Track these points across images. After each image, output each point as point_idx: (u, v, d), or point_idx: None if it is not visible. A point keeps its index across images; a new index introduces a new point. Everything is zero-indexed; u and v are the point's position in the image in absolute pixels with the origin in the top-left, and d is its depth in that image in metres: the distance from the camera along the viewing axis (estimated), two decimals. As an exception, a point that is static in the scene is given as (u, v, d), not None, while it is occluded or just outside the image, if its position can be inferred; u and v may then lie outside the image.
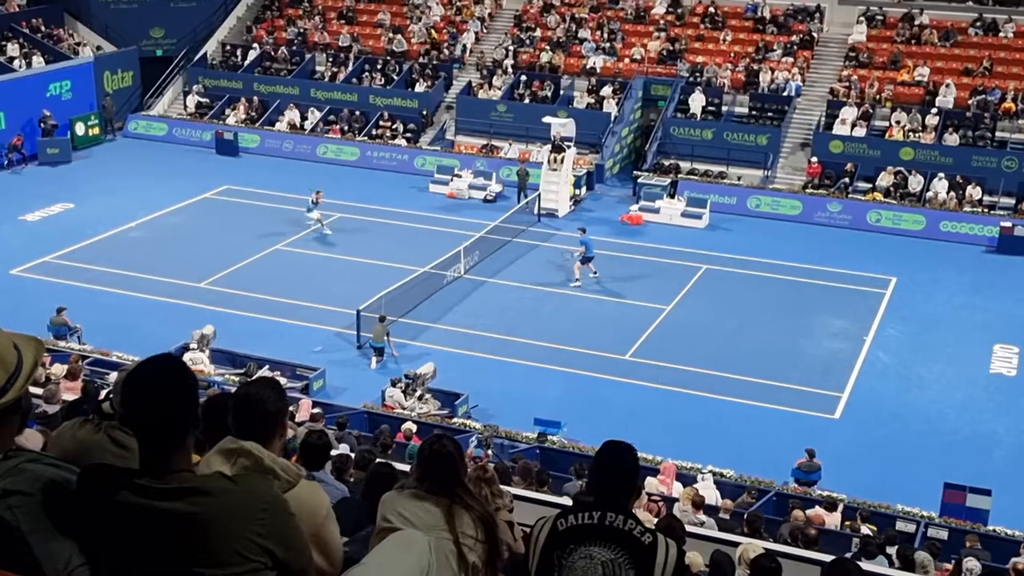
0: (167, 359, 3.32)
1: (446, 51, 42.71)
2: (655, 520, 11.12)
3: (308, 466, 6.97)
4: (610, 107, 38.59)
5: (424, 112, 40.66)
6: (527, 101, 39.61)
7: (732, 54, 39.93)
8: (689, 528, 12.16)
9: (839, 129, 36.75)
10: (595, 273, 28.99)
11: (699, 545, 10.94)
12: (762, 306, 27.80)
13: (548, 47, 41.39)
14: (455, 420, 20.88)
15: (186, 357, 22.60)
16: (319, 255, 30.40)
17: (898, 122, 36.57)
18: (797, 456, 19.51)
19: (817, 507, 16.64)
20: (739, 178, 36.37)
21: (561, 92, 39.70)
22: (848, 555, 13.07)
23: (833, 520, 16.40)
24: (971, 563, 13.65)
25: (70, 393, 14.97)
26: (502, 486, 8.14)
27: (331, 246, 30.97)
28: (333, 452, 10.50)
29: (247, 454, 3.78)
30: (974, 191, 34.11)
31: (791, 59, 39.31)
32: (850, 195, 34.85)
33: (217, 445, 3.83)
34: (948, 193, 34.21)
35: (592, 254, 28.88)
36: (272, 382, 4.24)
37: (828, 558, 11.38)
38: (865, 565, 9.86)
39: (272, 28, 45.43)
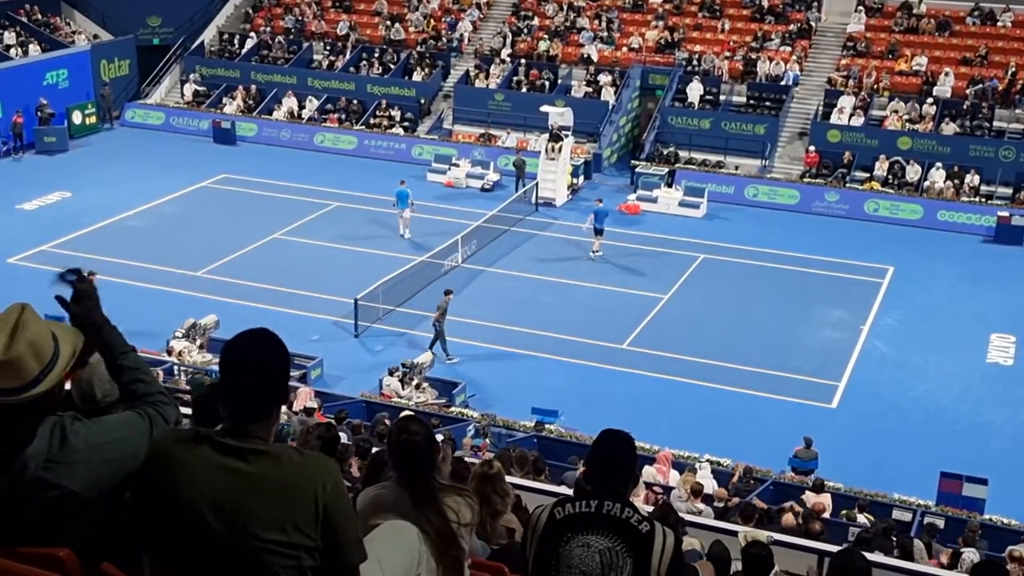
0: (265, 334, 3.44)
1: (444, 40, 42.64)
2: (651, 509, 11.14)
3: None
4: (608, 96, 38.55)
5: (422, 101, 40.61)
6: (524, 90, 39.56)
7: (730, 43, 39.88)
8: (687, 516, 12.20)
9: (837, 118, 36.72)
10: (596, 251, 29.77)
11: (696, 534, 10.98)
12: (760, 295, 27.82)
13: (546, 36, 41.33)
14: (453, 409, 20.91)
15: (172, 345, 22.73)
16: (316, 244, 30.39)
17: (896, 111, 36.55)
18: (794, 445, 19.55)
19: (806, 491, 16.69)
20: (737, 167, 36.35)
21: (559, 81, 39.66)
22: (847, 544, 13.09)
23: (824, 500, 16.39)
24: (969, 553, 13.68)
25: (68, 382, 14.94)
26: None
27: (329, 235, 30.94)
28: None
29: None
30: (972, 180, 34.12)
31: (789, 48, 39.26)
32: (848, 184, 34.86)
33: None
34: (946, 182, 34.21)
35: (602, 226, 29.45)
36: None
37: (825, 547, 11.42)
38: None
39: (270, 16, 45.31)
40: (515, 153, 35.47)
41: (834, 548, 11.40)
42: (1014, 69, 36.48)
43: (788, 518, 15.22)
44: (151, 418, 3.60)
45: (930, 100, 36.52)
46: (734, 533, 11.11)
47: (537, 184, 33.90)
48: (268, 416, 3.37)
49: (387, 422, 17.48)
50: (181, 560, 3.24)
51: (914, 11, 39.66)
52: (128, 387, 3.74)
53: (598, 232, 29.71)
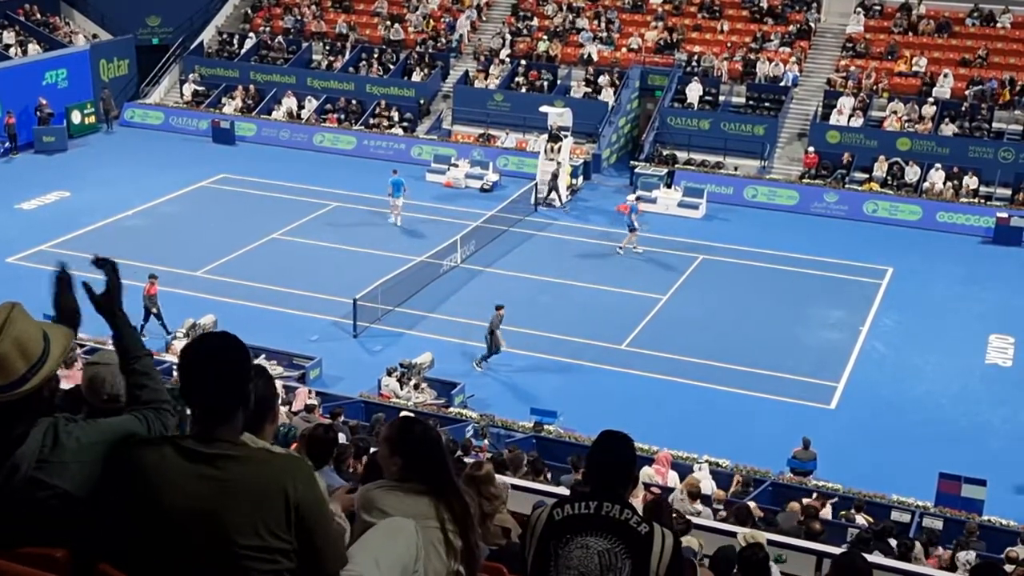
0: (223, 337, 3.42)
1: (443, 40, 42.64)
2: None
3: (313, 460, 6.96)
4: (607, 97, 38.55)
5: (421, 101, 40.60)
6: (524, 90, 39.56)
7: (729, 44, 39.88)
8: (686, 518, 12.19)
9: (836, 119, 36.73)
10: (622, 248, 30.22)
11: (693, 534, 10.98)
12: (758, 296, 27.82)
13: (545, 36, 41.33)
14: (451, 409, 20.91)
15: (175, 345, 22.76)
16: (316, 244, 30.39)
17: (895, 112, 36.56)
18: (793, 446, 19.55)
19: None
20: (736, 168, 36.36)
21: (558, 81, 39.66)
22: (845, 547, 13.10)
23: (824, 511, 16.42)
24: (967, 555, 13.68)
25: (68, 382, 14.92)
26: (500, 476, 8.11)
27: (328, 235, 30.95)
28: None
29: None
30: (971, 181, 34.12)
31: (788, 49, 39.27)
32: (847, 185, 34.87)
33: None
34: (945, 183, 34.22)
35: (634, 225, 30.06)
36: (259, 368, 4.22)
37: (825, 548, 11.43)
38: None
39: (269, 16, 45.31)
40: (557, 166, 35.04)
41: (833, 549, 11.42)
42: (1011, 77, 36.42)
43: (794, 505, 15.27)
44: (149, 422, 3.59)
45: (929, 101, 36.53)
46: (732, 534, 11.11)
47: (536, 185, 33.89)
48: (231, 419, 3.32)
49: (385, 422, 17.49)
50: (158, 567, 3.21)
51: (913, 12, 39.67)
52: (134, 390, 3.75)
53: (633, 230, 30.18)
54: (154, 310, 24.07)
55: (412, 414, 18.63)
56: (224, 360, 3.34)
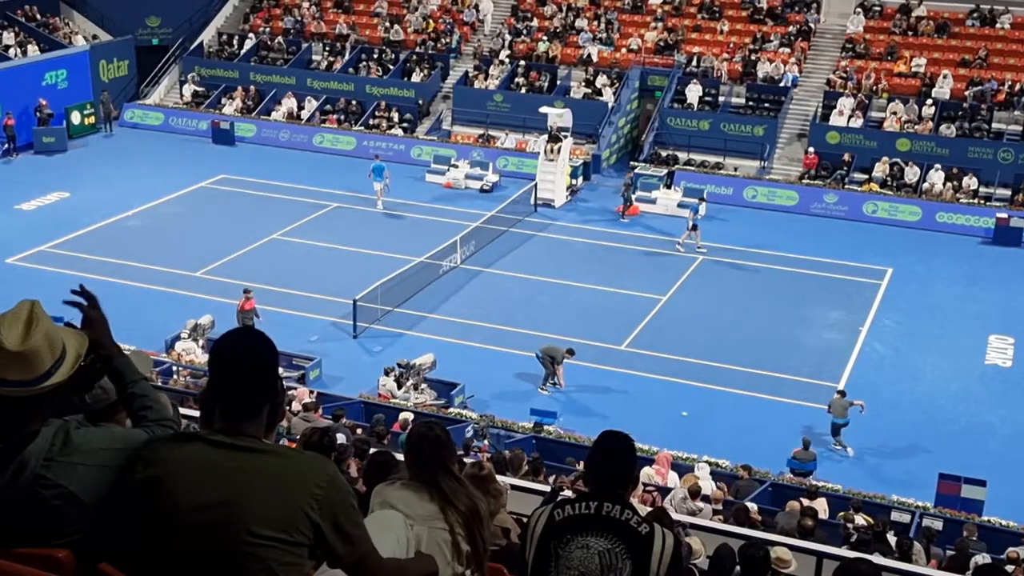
0: (251, 332, 3.45)
1: (443, 41, 42.64)
2: (648, 510, 11.14)
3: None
4: (607, 97, 38.55)
5: (421, 102, 40.61)
6: (524, 91, 39.56)
7: (729, 44, 39.88)
8: (685, 517, 12.22)
9: (836, 120, 36.74)
10: (681, 244, 30.60)
11: (693, 536, 10.99)
12: (758, 297, 27.82)
13: (545, 37, 41.33)
14: (451, 410, 20.92)
15: (177, 346, 22.76)
16: (315, 244, 30.39)
17: (895, 113, 36.57)
18: (793, 446, 19.56)
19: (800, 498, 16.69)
20: (736, 169, 36.36)
21: (558, 82, 39.66)
22: (844, 547, 13.11)
23: (820, 506, 16.43)
24: (984, 558, 13.65)
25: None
26: (500, 476, 8.11)
27: (327, 236, 30.95)
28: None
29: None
30: (970, 182, 34.13)
31: (788, 50, 39.27)
32: (846, 186, 34.87)
33: None
34: (944, 184, 34.23)
35: (695, 223, 30.35)
36: None
37: (825, 549, 11.44)
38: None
39: (269, 17, 45.31)
40: (627, 177, 34.70)
41: (833, 550, 11.43)
42: (1010, 82, 36.42)
43: (794, 504, 15.27)
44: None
45: (929, 102, 36.54)
46: (730, 534, 11.13)
47: (536, 185, 33.89)
48: (259, 414, 3.36)
49: (384, 423, 17.50)
50: (175, 559, 3.23)
51: (913, 13, 39.67)
52: (137, 413, 3.76)
53: (694, 228, 30.43)
54: (249, 323, 23.92)
55: (412, 415, 18.68)
56: (252, 355, 3.38)
